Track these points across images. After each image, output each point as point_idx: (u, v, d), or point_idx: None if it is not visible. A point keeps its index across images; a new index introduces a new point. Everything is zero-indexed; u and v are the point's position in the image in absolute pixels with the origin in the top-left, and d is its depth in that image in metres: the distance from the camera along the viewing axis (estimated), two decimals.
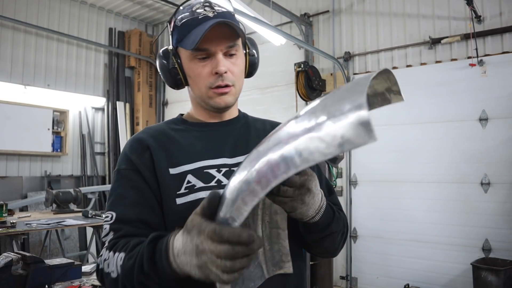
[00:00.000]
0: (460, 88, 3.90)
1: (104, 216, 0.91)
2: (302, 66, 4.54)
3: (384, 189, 4.33)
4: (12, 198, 4.94)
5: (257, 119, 1.13)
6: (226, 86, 0.94)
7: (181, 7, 0.97)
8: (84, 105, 6.07)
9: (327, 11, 4.97)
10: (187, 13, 0.94)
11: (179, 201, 0.88)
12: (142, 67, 6.51)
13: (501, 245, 3.61)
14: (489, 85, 3.75)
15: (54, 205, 4.40)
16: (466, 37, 3.86)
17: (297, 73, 4.56)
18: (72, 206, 4.55)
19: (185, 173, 0.91)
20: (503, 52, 3.76)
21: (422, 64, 4.24)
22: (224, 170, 0.93)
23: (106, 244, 0.85)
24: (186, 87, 1.02)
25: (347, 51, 4.75)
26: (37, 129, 5.34)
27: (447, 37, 4.04)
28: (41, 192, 5.16)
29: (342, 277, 4.55)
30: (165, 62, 1.00)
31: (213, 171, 0.92)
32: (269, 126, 1.06)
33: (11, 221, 3.36)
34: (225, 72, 0.93)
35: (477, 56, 3.73)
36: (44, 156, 5.53)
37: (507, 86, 3.68)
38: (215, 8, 0.93)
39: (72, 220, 3.80)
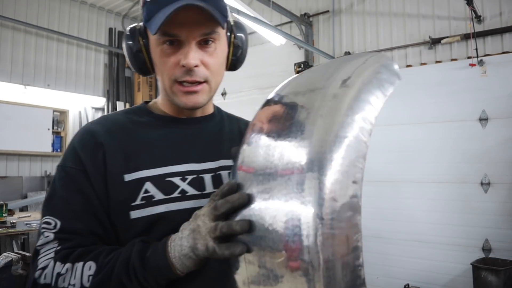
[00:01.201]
0: (460, 88, 3.89)
1: (42, 220, 0.74)
2: (302, 66, 4.54)
3: (384, 189, 4.32)
4: (12, 198, 4.93)
5: (232, 116, 0.98)
6: (197, 83, 0.78)
7: None
8: (84, 105, 6.06)
9: (327, 11, 4.96)
10: None
11: (133, 214, 0.74)
12: None
13: (501, 245, 3.60)
14: (489, 85, 3.74)
15: None
16: (466, 37, 3.86)
17: (297, 73, 4.55)
18: None
19: (142, 180, 0.76)
20: (503, 52, 3.75)
21: (422, 64, 4.23)
22: (190, 178, 0.79)
23: (52, 254, 0.69)
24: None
25: (347, 51, 4.74)
26: (37, 129, 5.34)
27: (447, 37, 4.03)
28: (41, 192, 5.16)
29: None
30: (131, 42, 0.83)
31: (176, 180, 0.78)
32: (244, 126, 0.88)
33: (11, 221, 3.36)
34: (196, 66, 0.76)
35: (477, 56, 3.73)
36: (44, 156, 5.52)
37: (507, 86, 3.67)
38: None
39: None
